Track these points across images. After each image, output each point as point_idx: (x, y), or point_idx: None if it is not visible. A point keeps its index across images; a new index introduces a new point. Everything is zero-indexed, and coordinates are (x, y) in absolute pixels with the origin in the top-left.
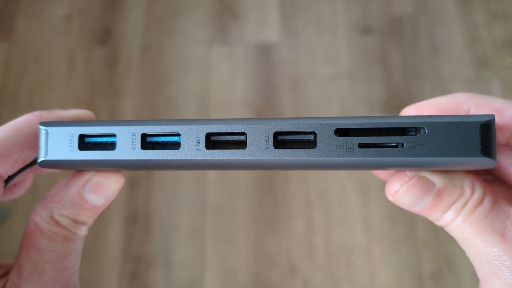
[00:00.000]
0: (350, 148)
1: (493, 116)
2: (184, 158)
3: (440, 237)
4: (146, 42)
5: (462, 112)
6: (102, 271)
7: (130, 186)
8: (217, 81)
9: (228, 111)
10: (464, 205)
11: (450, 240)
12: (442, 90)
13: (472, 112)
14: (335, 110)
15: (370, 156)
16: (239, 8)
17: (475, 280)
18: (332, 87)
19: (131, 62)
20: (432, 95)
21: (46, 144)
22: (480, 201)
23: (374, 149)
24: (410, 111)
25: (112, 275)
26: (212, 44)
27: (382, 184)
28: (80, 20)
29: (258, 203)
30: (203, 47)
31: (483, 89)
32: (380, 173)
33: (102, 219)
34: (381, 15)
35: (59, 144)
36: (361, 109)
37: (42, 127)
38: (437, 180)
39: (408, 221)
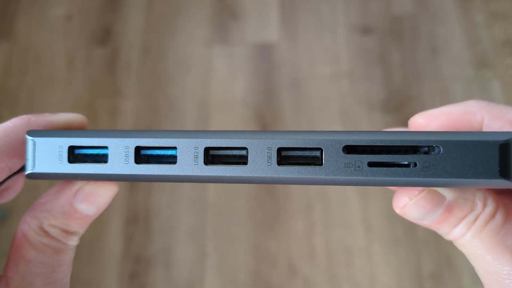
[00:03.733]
0: (359, 167)
1: None
2: (180, 173)
3: (440, 237)
4: (146, 42)
5: (475, 123)
6: (102, 271)
7: (130, 186)
8: (217, 81)
9: (228, 111)
10: (475, 219)
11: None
12: (442, 90)
13: (486, 124)
14: (335, 110)
15: (380, 176)
16: (239, 8)
17: (475, 280)
18: (332, 87)
19: (131, 62)
20: (432, 95)
21: (34, 156)
22: (492, 216)
23: (385, 168)
24: (420, 119)
25: (112, 275)
26: (212, 44)
27: None
28: (80, 20)
29: (258, 203)
30: (203, 47)
31: (483, 89)
32: None
33: (102, 219)
34: (381, 15)
35: (47, 156)
36: (361, 109)
37: (29, 137)
38: (448, 193)
39: (408, 221)
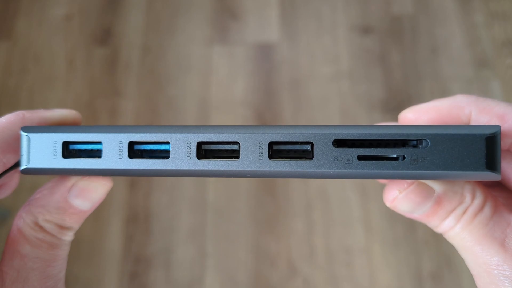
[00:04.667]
0: (348, 160)
1: (499, 127)
2: (173, 168)
3: (440, 237)
4: (146, 42)
5: (463, 117)
6: (102, 271)
7: (130, 186)
8: (217, 81)
9: (228, 111)
10: (464, 212)
11: None
12: (442, 90)
13: (474, 118)
14: (335, 110)
15: (369, 168)
16: (239, 8)
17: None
18: (332, 87)
19: (131, 62)
20: (432, 95)
21: (28, 151)
22: (481, 208)
23: (374, 161)
24: (409, 114)
25: (112, 275)
26: (212, 44)
27: (382, 184)
28: (80, 20)
29: (258, 203)
30: (203, 47)
31: (483, 89)
32: None
33: (102, 219)
34: (381, 15)
35: (42, 151)
36: (360, 109)
37: (23, 133)
38: (437, 186)
39: (408, 221)
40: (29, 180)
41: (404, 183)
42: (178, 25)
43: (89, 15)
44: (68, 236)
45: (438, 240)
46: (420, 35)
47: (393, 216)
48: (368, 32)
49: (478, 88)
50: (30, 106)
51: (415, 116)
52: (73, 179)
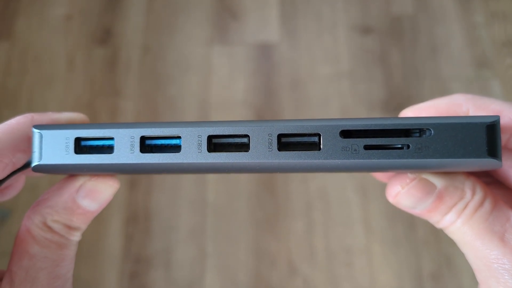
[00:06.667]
0: (355, 150)
1: (498, 117)
2: (185, 161)
3: (440, 237)
4: (146, 42)
5: (461, 114)
6: (102, 271)
7: (130, 186)
8: (217, 81)
9: (229, 111)
10: (465, 207)
11: (450, 240)
12: (442, 90)
13: (471, 114)
14: (335, 110)
15: (376, 158)
16: (239, 8)
17: (475, 280)
18: (332, 87)
19: (131, 62)
20: (432, 95)
21: (40, 148)
22: (481, 204)
23: (380, 150)
24: (409, 113)
25: (112, 275)
26: (212, 44)
27: (382, 184)
28: (80, 20)
29: (258, 203)
30: (203, 47)
31: (483, 89)
32: (380, 175)
33: (102, 219)
34: (381, 15)
35: (54, 148)
36: (361, 109)
37: (36, 130)
38: (438, 181)
39: (408, 221)
40: (28, 181)
41: (406, 178)
42: (178, 25)
43: (89, 15)
44: (76, 237)
45: (438, 240)
46: (420, 35)
47: (393, 216)
48: (368, 32)
49: (478, 87)
50: (30, 106)
51: (415, 115)
52: (81, 180)
